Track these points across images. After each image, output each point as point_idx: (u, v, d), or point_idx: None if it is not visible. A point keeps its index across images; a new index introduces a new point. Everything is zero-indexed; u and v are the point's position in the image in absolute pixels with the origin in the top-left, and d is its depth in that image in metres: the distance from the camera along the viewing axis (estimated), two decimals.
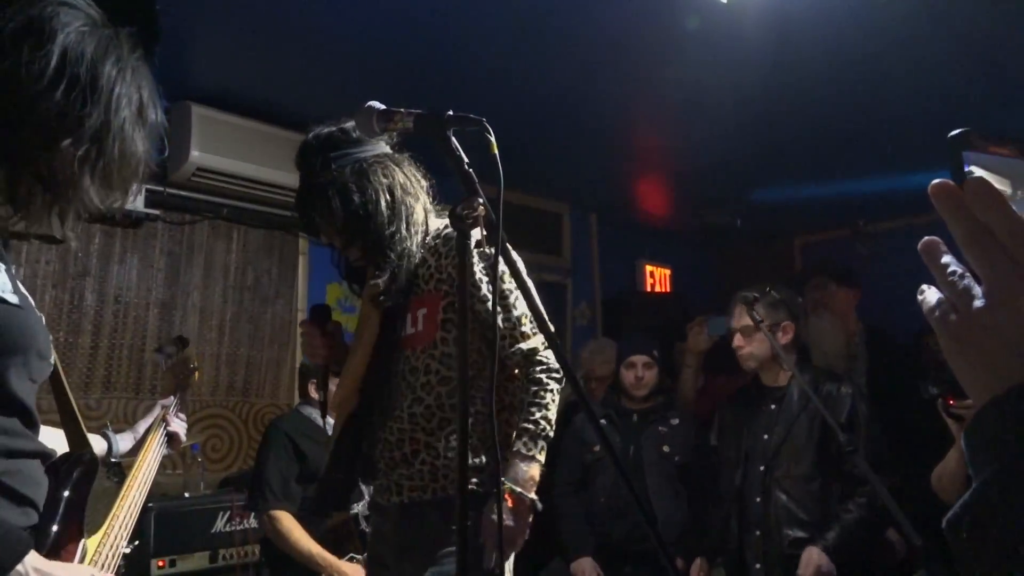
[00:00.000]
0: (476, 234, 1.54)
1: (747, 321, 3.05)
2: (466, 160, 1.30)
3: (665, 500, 3.48)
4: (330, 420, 3.15)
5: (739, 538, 3.05)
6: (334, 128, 1.98)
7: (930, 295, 0.58)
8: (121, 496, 1.76)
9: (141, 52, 1.30)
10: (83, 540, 1.40)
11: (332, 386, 2.22)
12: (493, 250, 1.33)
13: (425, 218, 1.98)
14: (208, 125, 3.66)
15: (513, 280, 1.83)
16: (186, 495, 3.41)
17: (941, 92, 3.66)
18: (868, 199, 5.29)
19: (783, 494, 2.95)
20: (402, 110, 1.36)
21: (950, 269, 0.56)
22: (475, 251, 1.86)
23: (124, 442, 1.96)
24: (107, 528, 1.64)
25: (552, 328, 1.78)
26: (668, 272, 6.54)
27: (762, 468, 3.01)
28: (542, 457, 1.84)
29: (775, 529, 2.93)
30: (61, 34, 1.16)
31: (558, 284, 5.72)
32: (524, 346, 1.88)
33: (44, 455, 1.27)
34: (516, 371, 1.93)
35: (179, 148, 3.64)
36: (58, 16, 1.17)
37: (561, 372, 1.85)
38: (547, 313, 1.41)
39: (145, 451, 1.91)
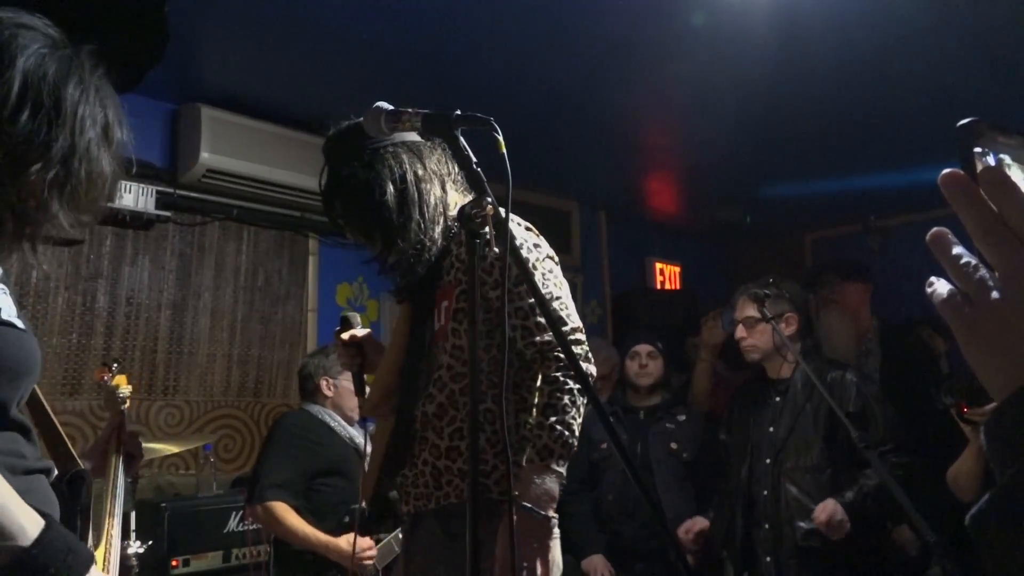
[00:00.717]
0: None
1: (750, 312, 3.05)
2: (474, 159, 1.30)
3: (674, 497, 3.47)
4: (341, 421, 3.18)
5: (747, 532, 3.04)
6: (352, 123, 1.89)
7: (940, 287, 0.57)
8: (108, 512, 1.80)
9: (103, 70, 1.27)
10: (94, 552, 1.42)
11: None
12: (502, 249, 1.32)
13: (445, 206, 1.86)
14: (218, 127, 3.67)
15: (548, 262, 1.82)
16: (199, 495, 3.42)
17: (951, 86, 3.63)
18: (879, 194, 5.26)
19: (793, 486, 2.93)
20: (410, 110, 1.36)
21: (963, 260, 0.55)
22: (519, 231, 1.79)
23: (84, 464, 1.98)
24: (106, 539, 1.67)
25: (570, 324, 1.76)
26: (678, 269, 6.52)
27: (769, 461, 3.00)
28: (561, 468, 1.67)
29: (786, 522, 2.92)
30: (20, 58, 1.13)
31: (568, 282, 5.70)
32: (539, 339, 1.73)
33: (48, 471, 1.27)
34: (537, 375, 1.76)
35: (189, 150, 3.66)
36: (16, 39, 1.14)
37: (588, 373, 1.69)
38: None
39: (112, 469, 1.93)
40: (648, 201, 5.91)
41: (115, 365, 2.46)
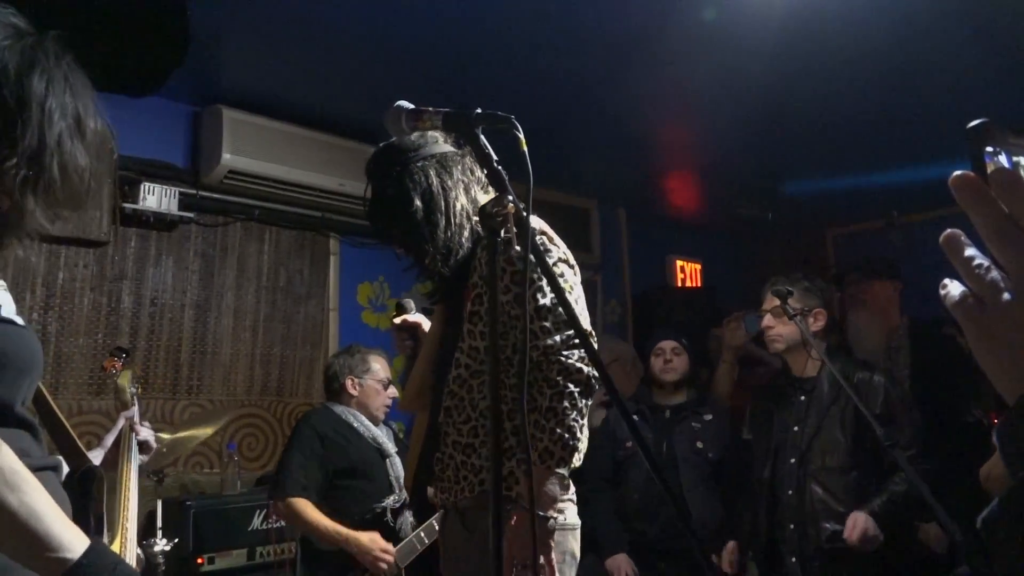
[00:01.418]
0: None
1: (778, 302, 3.02)
2: (495, 158, 1.30)
3: (699, 497, 3.45)
4: (365, 422, 3.19)
5: (771, 532, 3.02)
6: (390, 141, 1.99)
7: (953, 289, 0.56)
8: (123, 507, 1.82)
9: (71, 57, 1.20)
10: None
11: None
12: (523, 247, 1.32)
13: (470, 212, 1.94)
14: (239, 128, 3.70)
15: (542, 273, 1.78)
16: (224, 493, 3.45)
17: (974, 80, 3.59)
18: (902, 190, 5.20)
19: (818, 487, 2.91)
20: (430, 109, 1.36)
21: (976, 262, 0.55)
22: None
23: (95, 457, 1.99)
24: (121, 533, 1.68)
25: (583, 326, 1.75)
26: (699, 266, 6.49)
27: (793, 461, 2.97)
28: (562, 470, 1.72)
29: (811, 523, 2.89)
30: None
31: (587, 281, 5.67)
32: (543, 343, 1.77)
33: (56, 467, 1.26)
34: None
35: (211, 151, 3.70)
36: None
37: (588, 376, 1.74)
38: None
39: (126, 462, 1.95)
40: (668, 198, 5.88)
41: (124, 355, 2.47)
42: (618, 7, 3.01)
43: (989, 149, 0.55)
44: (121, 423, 2.04)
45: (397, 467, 3.18)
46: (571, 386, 1.74)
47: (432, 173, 1.92)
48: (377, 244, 4.28)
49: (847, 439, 2.90)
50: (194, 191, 3.76)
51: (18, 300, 1.20)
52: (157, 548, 2.86)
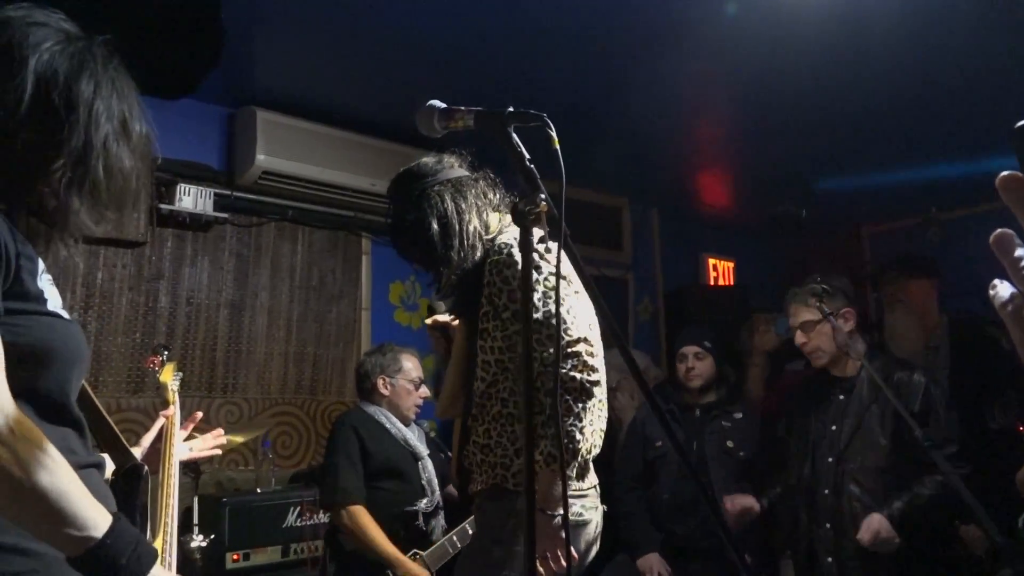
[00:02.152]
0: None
1: (805, 316, 2.98)
2: (527, 156, 1.30)
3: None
4: (396, 422, 3.20)
5: (808, 532, 2.99)
6: (411, 165, 2.15)
7: (1002, 289, 0.56)
8: (164, 504, 1.85)
9: (118, 61, 1.24)
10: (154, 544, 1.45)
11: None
12: (556, 245, 1.32)
13: (482, 234, 2.05)
14: (273, 129, 3.74)
15: (553, 280, 1.89)
16: (258, 490, 3.49)
17: (1014, 76, 3.51)
18: (940, 185, 5.11)
19: (856, 487, 2.86)
20: (462, 108, 1.37)
21: None
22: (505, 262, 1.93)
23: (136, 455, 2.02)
24: (162, 531, 1.70)
25: (574, 335, 1.86)
26: (731, 265, 6.44)
27: (831, 460, 2.93)
28: (567, 470, 1.84)
29: (849, 523, 2.85)
30: (32, 58, 1.12)
31: (619, 279, 5.69)
32: (538, 353, 1.87)
33: (99, 465, 1.28)
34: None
35: (245, 152, 3.74)
36: (27, 39, 1.13)
37: (582, 382, 1.84)
38: (608, 310, 1.39)
39: (167, 461, 1.97)
40: (701, 196, 5.84)
41: (165, 353, 2.50)
42: (648, 4, 3.00)
43: None
44: (161, 422, 2.06)
45: (429, 469, 3.18)
46: (566, 396, 1.85)
47: (447, 197, 2.04)
48: None
49: (886, 439, 2.85)
50: (229, 192, 3.81)
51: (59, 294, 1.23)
52: (194, 544, 2.90)
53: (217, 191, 3.75)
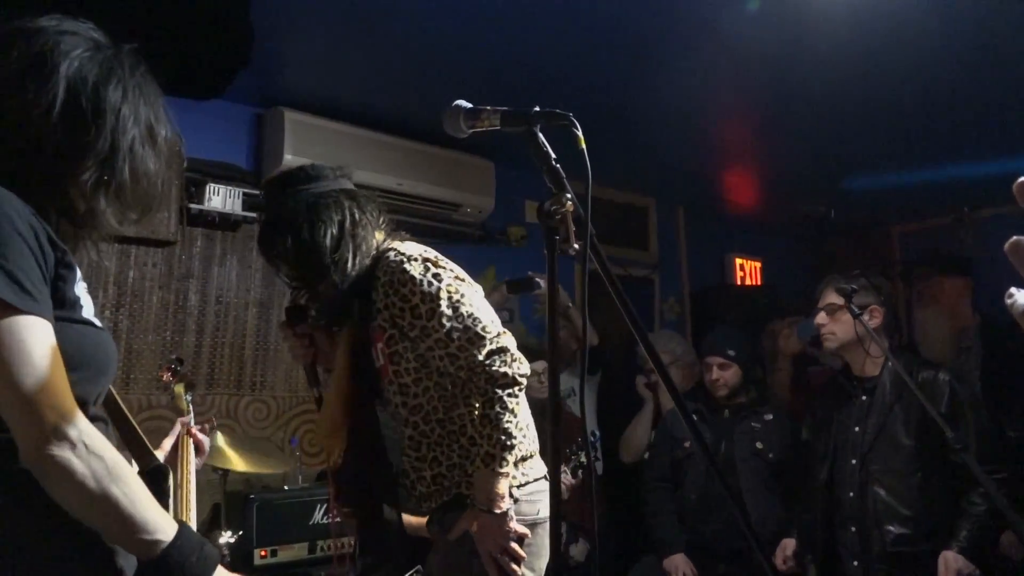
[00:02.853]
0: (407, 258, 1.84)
1: (832, 299, 2.94)
2: (553, 156, 1.30)
3: (759, 498, 3.39)
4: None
5: (830, 535, 2.95)
6: (295, 168, 2.03)
7: (1020, 297, 0.55)
8: (185, 509, 1.92)
9: (144, 68, 1.28)
10: None
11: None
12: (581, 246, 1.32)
13: (376, 250, 2.00)
14: (300, 130, 3.77)
15: (456, 284, 1.92)
16: (285, 488, 3.52)
17: None
18: (972, 184, 5.03)
19: (881, 489, 2.83)
20: (488, 108, 1.37)
21: None
22: (417, 268, 1.89)
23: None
24: None
25: (495, 331, 1.89)
26: (759, 265, 6.40)
27: (854, 462, 2.90)
28: (505, 468, 1.84)
29: (874, 525, 2.82)
30: (63, 65, 1.16)
31: (645, 279, 5.67)
32: (464, 360, 1.87)
33: None
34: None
35: (273, 153, 3.77)
36: (58, 47, 1.18)
37: (513, 376, 1.85)
38: (635, 309, 1.38)
39: (185, 466, 2.03)
40: (728, 196, 5.80)
41: (179, 367, 2.54)
42: (675, 3, 2.98)
43: None
44: (178, 428, 2.12)
45: None
46: (499, 391, 1.85)
47: (347, 206, 1.96)
48: (432, 243, 4.32)
49: (911, 440, 2.81)
50: (257, 192, 3.84)
51: (92, 298, 1.25)
52: (222, 540, 2.93)
53: (246, 191, 3.78)
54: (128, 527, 1.08)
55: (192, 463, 2.09)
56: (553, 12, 3.04)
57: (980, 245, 4.97)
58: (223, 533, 2.97)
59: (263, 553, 3.19)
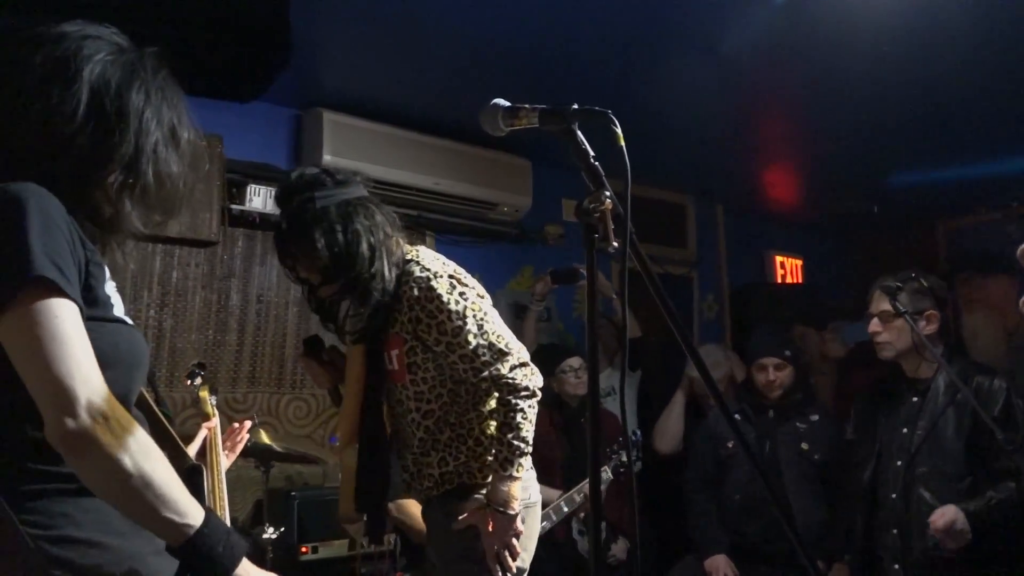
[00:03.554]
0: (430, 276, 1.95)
1: (885, 306, 2.84)
2: (592, 153, 1.29)
3: (804, 499, 3.32)
4: None
5: (870, 537, 2.89)
6: (317, 170, 2.06)
7: None
8: (219, 508, 1.98)
9: (167, 71, 1.30)
10: None
11: None
12: (619, 244, 1.31)
13: (401, 259, 2.06)
14: (339, 130, 3.80)
15: (479, 302, 2.01)
16: (326, 485, 3.56)
17: None
18: (1020, 177, 4.90)
19: (927, 491, 2.75)
20: (527, 106, 1.36)
21: None
22: (444, 286, 1.96)
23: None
24: None
25: (515, 345, 2.00)
26: (799, 263, 6.31)
27: (900, 463, 2.84)
28: (519, 473, 1.97)
29: (916, 528, 2.75)
30: (86, 69, 1.18)
31: (683, 277, 5.62)
32: (487, 372, 1.97)
33: None
34: (491, 395, 2.05)
35: (312, 153, 3.81)
36: (81, 51, 1.19)
37: (533, 389, 1.99)
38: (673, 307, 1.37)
39: (214, 468, 2.08)
40: (767, 192, 5.72)
41: (201, 374, 2.57)
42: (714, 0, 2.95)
43: None
44: (204, 433, 2.15)
45: None
46: (521, 401, 1.98)
47: (377, 216, 2.05)
48: (469, 242, 4.34)
49: (962, 444, 2.74)
50: None
51: (136, 298, 1.28)
52: (265, 536, 2.97)
53: None
54: (160, 507, 1.07)
55: (223, 465, 2.13)
56: (590, 12, 3.03)
57: None
58: (267, 528, 3.01)
59: (304, 549, 3.22)
